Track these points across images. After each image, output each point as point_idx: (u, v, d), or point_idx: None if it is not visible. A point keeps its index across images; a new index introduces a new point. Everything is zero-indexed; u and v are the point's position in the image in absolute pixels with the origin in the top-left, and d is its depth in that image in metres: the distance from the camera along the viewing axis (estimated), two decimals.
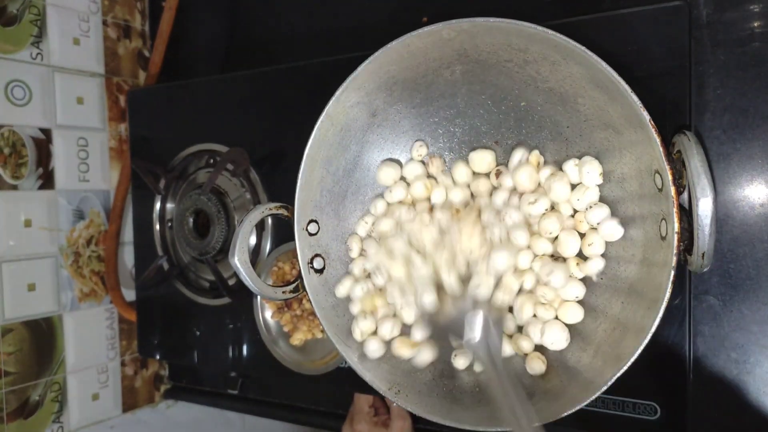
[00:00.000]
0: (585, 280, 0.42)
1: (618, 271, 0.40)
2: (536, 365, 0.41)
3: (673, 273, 0.33)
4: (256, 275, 0.43)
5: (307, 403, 0.69)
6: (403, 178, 0.47)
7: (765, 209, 0.44)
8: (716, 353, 0.45)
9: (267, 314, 0.62)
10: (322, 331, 0.59)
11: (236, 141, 0.65)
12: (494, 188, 0.45)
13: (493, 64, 0.41)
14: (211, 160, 0.68)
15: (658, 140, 0.34)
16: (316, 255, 0.45)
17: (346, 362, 0.44)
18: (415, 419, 0.58)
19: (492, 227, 0.42)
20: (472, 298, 0.42)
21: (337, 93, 0.42)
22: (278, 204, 0.45)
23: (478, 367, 0.43)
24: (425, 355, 0.43)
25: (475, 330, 0.40)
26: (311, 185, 0.45)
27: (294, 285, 0.45)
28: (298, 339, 0.60)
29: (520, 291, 0.43)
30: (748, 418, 0.45)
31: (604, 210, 0.40)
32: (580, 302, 0.41)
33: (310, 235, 0.45)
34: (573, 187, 0.42)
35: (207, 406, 0.78)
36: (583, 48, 0.35)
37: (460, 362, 0.44)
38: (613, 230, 0.40)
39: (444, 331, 0.43)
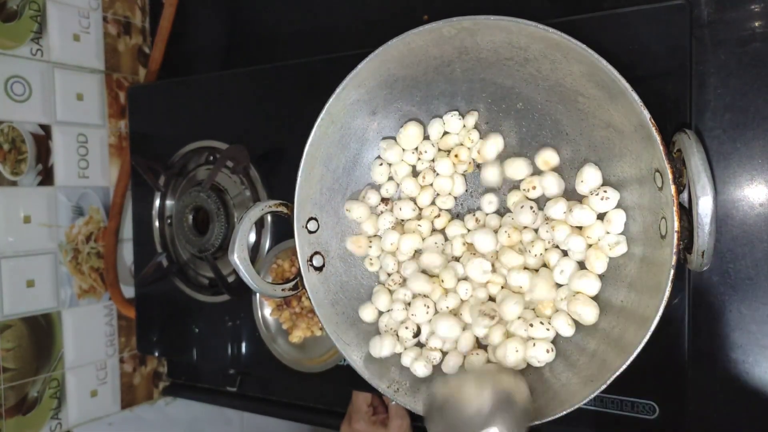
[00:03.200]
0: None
1: (617, 269, 0.40)
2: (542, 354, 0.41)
3: (672, 272, 0.33)
4: (256, 272, 0.43)
5: (306, 400, 0.69)
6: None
7: (765, 209, 0.44)
8: (715, 353, 0.46)
9: (266, 312, 0.62)
10: (321, 328, 0.59)
11: (236, 138, 0.64)
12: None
13: (494, 62, 0.41)
14: (211, 157, 0.68)
15: (658, 139, 0.34)
16: (316, 252, 0.45)
17: (345, 360, 0.44)
18: (414, 418, 0.58)
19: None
20: None
21: (338, 90, 0.42)
22: (278, 201, 0.45)
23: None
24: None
25: None
26: (311, 183, 0.45)
27: (293, 282, 0.45)
28: (297, 336, 0.60)
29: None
30: (747, 417, 0.45)
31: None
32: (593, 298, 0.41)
33: (310, 232, 0.45)
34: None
35: (206, 404, 0.78)
36: (584, 46, 0.35)
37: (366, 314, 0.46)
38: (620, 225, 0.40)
39: None
